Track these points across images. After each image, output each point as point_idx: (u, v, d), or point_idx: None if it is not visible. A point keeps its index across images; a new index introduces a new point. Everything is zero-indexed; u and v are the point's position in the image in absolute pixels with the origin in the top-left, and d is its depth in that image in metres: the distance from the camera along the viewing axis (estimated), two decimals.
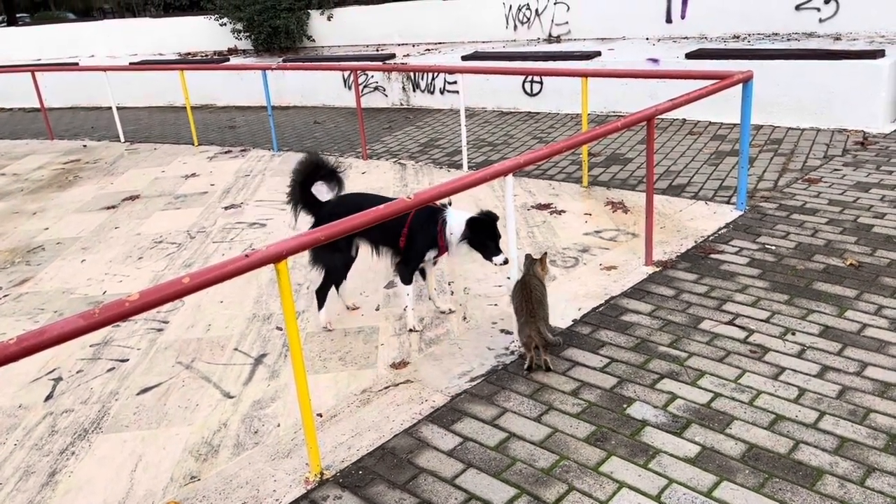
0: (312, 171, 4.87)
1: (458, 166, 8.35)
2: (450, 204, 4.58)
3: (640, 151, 8.15)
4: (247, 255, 2.96)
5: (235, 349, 4.69)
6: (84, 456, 3.76)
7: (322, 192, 5.00)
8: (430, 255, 4.60)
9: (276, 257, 3.03)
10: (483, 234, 4.41)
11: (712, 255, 5.30)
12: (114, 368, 4.60)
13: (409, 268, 4.62)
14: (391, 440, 3.57)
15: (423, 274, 4.85)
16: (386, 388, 4.06)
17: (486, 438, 3.52)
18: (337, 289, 4.93)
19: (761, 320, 4.36)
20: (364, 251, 4.87)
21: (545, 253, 4.33)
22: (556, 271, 5.38)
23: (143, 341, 4.91)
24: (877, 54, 7.96)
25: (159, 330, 5.04)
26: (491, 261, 4.42)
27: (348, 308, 5.05)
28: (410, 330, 4.65)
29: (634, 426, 3.51)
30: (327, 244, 4.52)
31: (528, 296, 3.95)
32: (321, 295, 4.84)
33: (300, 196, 4.84)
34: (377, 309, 5.05)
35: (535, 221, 6.40)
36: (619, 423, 3.54)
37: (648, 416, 3.58)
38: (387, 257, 4.78)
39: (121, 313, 2.60)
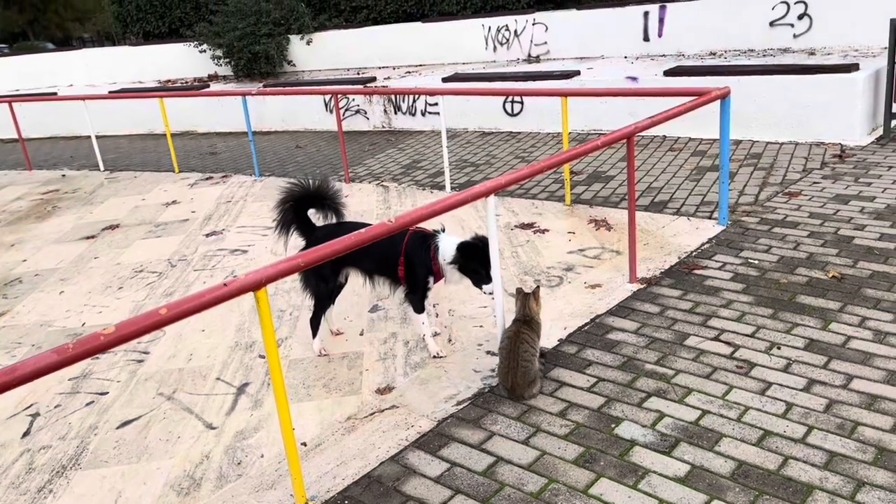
0: (313, 196, 4.84)
1: (441, 187, 8.35)
2: (443, 230, 4.53)
3: (622, 169, 8.18)
4: (225, 284, 2.91)
5: (218, 379, 4.61)
6: (62, 493, 3.67)
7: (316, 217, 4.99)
8: (429, 281, 4.52)
9: (255, 285, 2.98)
10: (473, 259, 4.29)
11: (696, 271, 5.30)
12: (93, 402, 4.51)
13: (417, 296, 4.50)
14: (377, 468, 3.51)
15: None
16: (371, 414, 4.01)
17: (473, 463, 3.47)
18: (322, 314, 4.88)
19: (746, 335, 4.35)
20: (354, 278, 4.81)
21: (538, 286, 4.28)
22: (541, 291, 5.34)
23: (123, 373, 4.83)
24: (851, 68, 8.07)
25: (140, 361, 4.96)
26: (481, 289, 4.34)
27: (333, 333, 4.99)
28: (434, 356, 4.52)
29: (623, 446, 3.47)
30: (314, 271, 4.52)
31: (515, 350, 3.90)
32: (314, 323, 4.79)
33: (292, 218, 4.79)
34: (361, 334, 5.00)
35: (519, 241, 6.39)
36: (608, 443, 3.51)
37: (637, 435, 3.55)
38: (383, 287, 4.71)
39: (96, 347, 2.55)
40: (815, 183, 6.90)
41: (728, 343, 4.29)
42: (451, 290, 5.47)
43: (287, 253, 5.20)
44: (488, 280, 4.25)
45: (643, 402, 3.81)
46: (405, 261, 4.44)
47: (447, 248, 4.37)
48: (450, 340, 4.75)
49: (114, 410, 4.38)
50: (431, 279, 4.49)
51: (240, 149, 12.19)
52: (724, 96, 5.71)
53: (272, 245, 7.04)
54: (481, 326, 4.89)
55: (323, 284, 4.69)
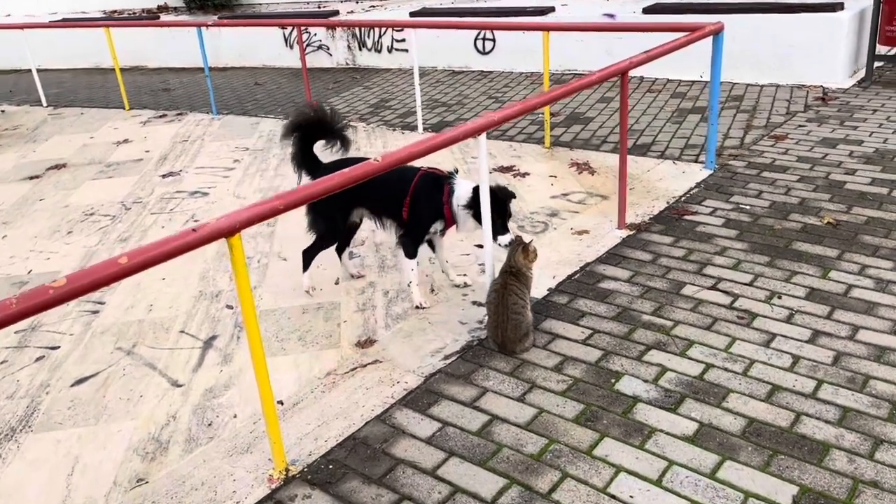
0: (317, 126, 4.38)
1: (413, 128, 7.95)
2: (456, 171, 4.24)
3: (601, 110, 7.88)
4: (194, 230, 2.55)
5: (182, 331, 4.26)
6: (12, 459, 3.33)
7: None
8: (436, 226, 4.21)
9: (229, 230, 2.63)
10: (493, 209, 3.89)
11: (686, 217, 5.07)
12: (43, 357, 4.13)
13: (412, 240, 4.22)
14: (362, 428, 3.24)
15: (433, 246, 4.49)
16: (353, 369, 3.72)
17: (467, 423, 3.22)
18: (339, 256, 4.71)
19: (745, 284, 4.15)
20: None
21: (531, 241, 3.97)
22: (525, 237, 5.06)
23: (76, 325, 4.44)
24: (836, 7, 7.82)
25: (94, 312, 4.57)
26: (496, 240, 3.98)
27: (352, 276, 4.71)
28: (417, 307, 4.24)
29: (626, 403, 3.26)
30: (316, 207, 4.23)
31: (504, 303, 3.63)
32: (307, 257, 4.50)
33: (300, 156, 4.39)
34: (336, 283, 4.67)
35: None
36: (609, 400, 3.29)
37: (639, 391, 3.33)
38: (391, 230, 4.38)
39: (45, 302, 2.19)
40: (800, 126, 6.70)
41: (726, 292, 4.08)
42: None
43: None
44: (504, 231, 3.98)
45: (643, 355, 3.59)
46: (411, 201, 4.11)
47: (463, 192, 4.06)
48: (432, 290, 4.46)
49: (67, 367, 4.02)
50: (439, 224, 4.20)
51: (194, 85, 11.52)
52: (717, 31, 5.42)
53: (234, 187, 6.61)
54: (465, 275, 4.60)
55: (322, 221, 4.38)
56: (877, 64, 7.85)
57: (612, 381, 3.42)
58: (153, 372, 3.89)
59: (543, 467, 2.93)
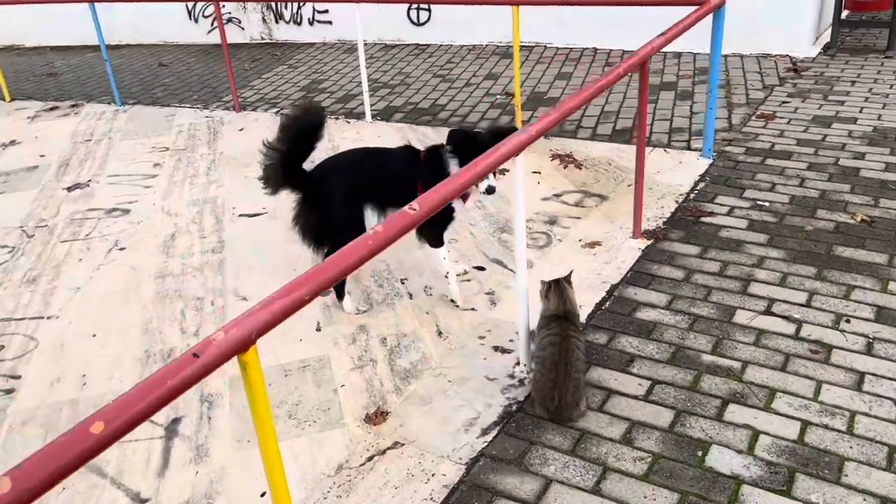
0: (309, 134, 3.65)
1: (358, 115, 7.04)
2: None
3: (563, 88, 7.21)
4: (196, 355, 1.71)
5: None
6: None
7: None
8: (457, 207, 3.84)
9: (242, 345, 1.80)
10: (471, 152, 3.22)
11: (703, 219, 4.51)
12: None
13: (437, 227, 3.83)
14: None
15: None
16: (370, 458, 2.95)
17: None
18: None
19: (801, 305, 3.62)
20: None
21: (571, 272, 3.28)
22: (528, 252, 4.37)
23: None
24: None
25: (8, 392, 3.57)
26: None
27: (358, 311, 3.97)
28: (455, 305, 3.89)
29: (727, 487, 2.65)
30: (337, 216, 3.74)
31: (567, 360, 2.92)
32: (340, 285, 3.84)
33: (284, 174, 3.67)
34: (318, 329, 3.85)
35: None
36: (706, 484, 2.67)
37: (737, 467, 2.73)
38: None
39: None
40: (783, 103, 6.26)
41: (786, 318, 3.54)
42: (415, 259, 4.39)
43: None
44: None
45: (722, 412, 2.99)
46: (424, 186, 3.35)
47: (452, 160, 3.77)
48: (440, 334, 3.71)
49: None
50: (459, 203, 3.81)
51: (86, 68, 10.11)
52: (720, 5, 4.83)
53: (161, 200, 5.58)
54: (474, 310, 3.87)
55: (353, 226, 3.71)
56: (842, 31, 7.52)
57: (699, 453, 2.81)
58: (103, 481, 2.98)
59: None
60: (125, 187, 5.89)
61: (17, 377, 3.67)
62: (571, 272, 3.24)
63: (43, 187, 6.07)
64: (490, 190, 3.58)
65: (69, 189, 5.98)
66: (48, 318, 4.15)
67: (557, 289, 3.11)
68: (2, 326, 4.11)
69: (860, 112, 5.88)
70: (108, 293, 4.35)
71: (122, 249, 4.86)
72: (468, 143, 3.62)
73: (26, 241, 5.11)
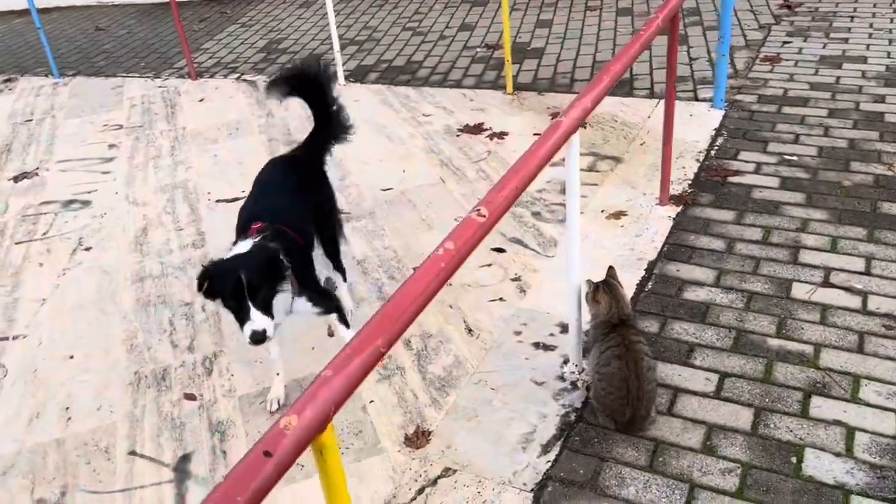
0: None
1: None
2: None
3: (546, 38, 6.73)
4: (268, 453, 1.28)
5: (133, 453, 2.90)
6: None
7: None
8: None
9: (321, 425, 1.38)
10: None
11: (731, 179, 4.17)
12: None
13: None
14: None
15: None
16: (420, 490, 2.58)
17: None
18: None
19: (860, 273, 3.33)
20: None
21: (611, 268, 2.88)
22: (547, 228, 4.00)
23: None
24: None
25: None
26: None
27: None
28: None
29: (835, 499, 2.36)
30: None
31: (638, 372, 2.55)
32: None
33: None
34: (330, 334, 3.41)
35: (477, 153, 4.89)
36: (811, 498, 2.37)
37: (839, 474, 2.44)
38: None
39: None
40: (785, 43, 5.91)
41: (848, 289, 3.24)
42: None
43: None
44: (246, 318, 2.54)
45: (806, 408, 2.69)
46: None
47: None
48: (469, 331, 3.32)
49: None
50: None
51: (12, 36, 9.20)
52: None
53: (124, 188, 5.00)
54: (502, 300, 3.49)
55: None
56: None
57: (793, 459, 2.50)
58: None
59: None
60: (80, 174, 5.27)
61: None
62: (612, 268, 2.85)
63: None
64: (256, 336, 2.48)
65: (15, 179, 5.33)
66: (13, 338, 3.63)
67: (608, 289, 2.72)
68: None
69: (867, 50, 5.58)
70: (81, 304, 3.83)
71: (87, 249, 4.31)
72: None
73: None
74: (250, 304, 2.47)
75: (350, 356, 1.48)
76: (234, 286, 2.46)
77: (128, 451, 2.90)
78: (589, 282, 2.81)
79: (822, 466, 2.47)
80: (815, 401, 2.72)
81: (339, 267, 3.48)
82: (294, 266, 2.68)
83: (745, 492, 2.42)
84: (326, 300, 3.02)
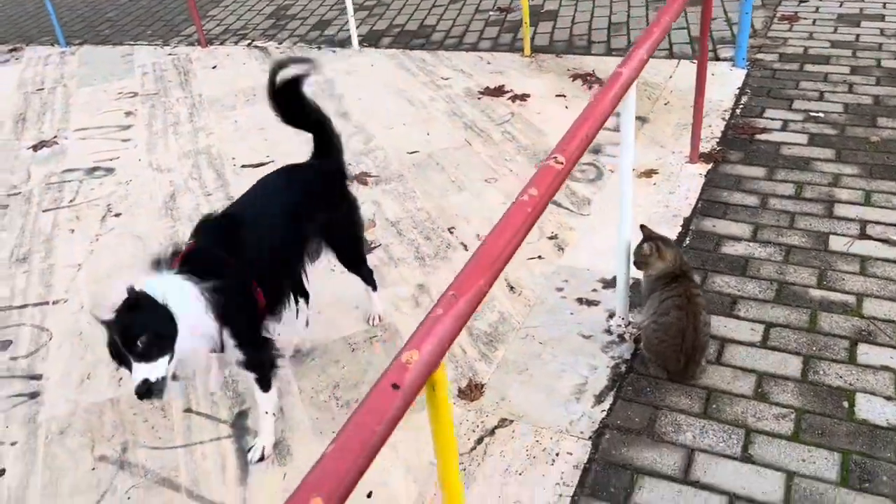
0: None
1: (342, 43, 6.42)
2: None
3: (559, 0, 6.69)
4: (395, 386, 1.31)
5: (188, 410, 2.93)
6: None
7: None
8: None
9: (436, 361, 1.41)
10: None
11: (759, 137, 4.20)
12: None
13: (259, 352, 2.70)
14: None
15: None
16: (479, 440, 2.63)
17: None
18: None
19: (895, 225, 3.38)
20: None
21: (642, 226, 2.90)
22: (579, 187, 4.02)
23: (12, 426, 2.98)
24: None
25: (32, 397, 3.09)
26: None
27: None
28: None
29: (890, 441, 2.42)
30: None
31: (695, 323, 2.60)
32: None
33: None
34: (375, 289, 3.43)
35: (500, 115, 4.89)
36: (866, 440, 2.43)
37: (891, 416, 2.50)
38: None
39: None
40: (802, 2, 5.89)
41: (885, 241, 3.29)
42: (465, 209, 3.99)
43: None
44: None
45: (853, 355, 2.75)
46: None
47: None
48: (511, 288, 3.35)
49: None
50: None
51: (13, 5, 9.06)
52: None
53: (146, 154, 4.98)
54: (541, 258, 3.52)
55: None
56: None
57: (845, 404, 2.57)
58: (177, 495, 2.59)
59: None
60: (99, 142, 5.24)
61: (38, 377, 3.18)
62: (644, 226, 2.86)
63: (2, 147, 5.37)
64: (142, 391, 2.17)
65: (34, 148, 5.29)
66: (53, 302, 3.64)
67: (665, 243, 2.75)
68: (2, 317, 3.58)
69: (884, 8, 5.58)
70: (117, 268, 3.83)
71: (117, 215, 4.31)
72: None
73: (2, 214, 4.50)
74: (130, 358, 2.17)
75: (456, 296, 1.51)
76: (111, 345, 2.22)
77: (183, 409, 2.93)
78: (649, 241, 2.78)
79: (874, 410, 2.53)
80: (862, 348, 2.78)
81: (366, 280, 3.19)
82: (223, 304, 2.35)
83: (801, 435, 2.48)
84: (256, 353, 2.59)
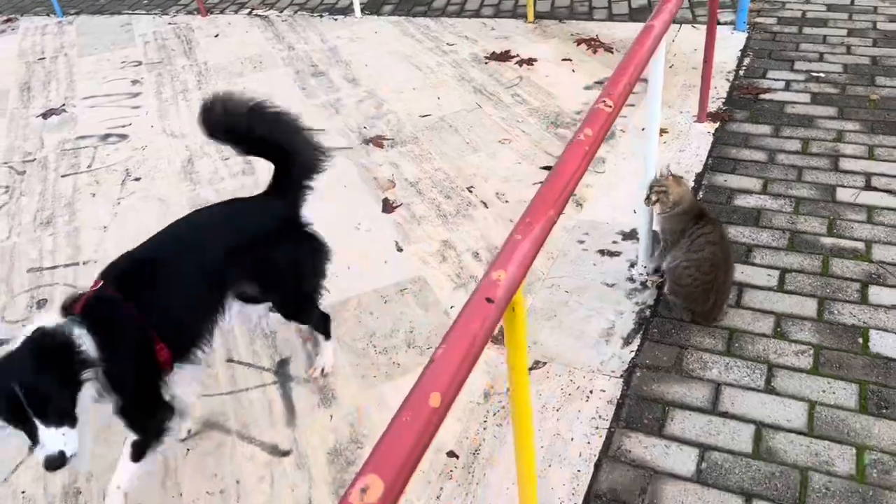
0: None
1: (344, 10, 6.45)
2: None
3: None
4: (489, 300, 1.43)
5: (230, 360, 3.04)
6: None
7: None
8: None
9: (518, 282, 1.53)
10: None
11: (763, 96, 4.33)
12: None
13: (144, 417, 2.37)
14: (597, 478, 2.37)
15: None
16: None
17: (729, 440, 2.43)
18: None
19: None
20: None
21: (668, 166, 3.04)
22: (601, 149, 4.13)
23: None
24: None
25: None
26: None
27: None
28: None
29: None
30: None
31: (728, 262, 2.74)
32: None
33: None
34: (399, 249, 3.54)
35: (508, 79, 4.98)
36: (881, 372, 2.60)
37: None
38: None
39: None
40: None
41: (890, 191, 3.45)
42: (483, 169, 4.09)
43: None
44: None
45: (865, 296, 2.91)
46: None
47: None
48: None
49: None
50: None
51: None
52: None
53: (159, 121, 5.02)
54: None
55: None
56: None
57: (860, 340, 2.73)
58: (228, 437, 2.71)
59: (881, 494, 2.22)
60: (110, 109, 5.27)
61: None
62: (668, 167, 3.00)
63: (10, 115, 5.38)
64: (52, 462, 1.90)
65: (44, 116, 5.31)
66: (84, 263, 3.71)
67: (677, 178, 2.89)
68: (34, 278, 3.65)
69: None
70: (142, 230, 3.88)
71: (137, 180, 4.37)
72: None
73: (20, 179, 4.54)
74: (37, 422, 1.89)
75: (531, 223, 1.64)
76: (8, 403, 1.87)
77: (225, 359, 3.04)
78: (671, 175, 2.88)
79: (887, 345, 2.70)
80: (873, 289, 2.94)
81: (317, 328, 2.88)
82: (111, 357, 2.05)
83: (820, 369, 2.64)
84: (145, 416, 2.27)
